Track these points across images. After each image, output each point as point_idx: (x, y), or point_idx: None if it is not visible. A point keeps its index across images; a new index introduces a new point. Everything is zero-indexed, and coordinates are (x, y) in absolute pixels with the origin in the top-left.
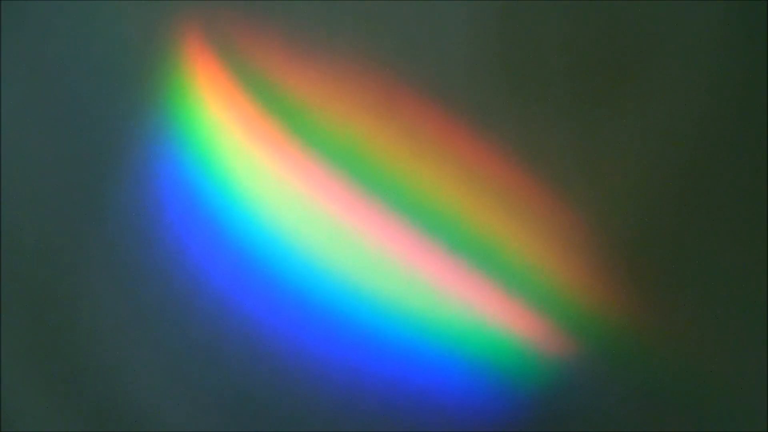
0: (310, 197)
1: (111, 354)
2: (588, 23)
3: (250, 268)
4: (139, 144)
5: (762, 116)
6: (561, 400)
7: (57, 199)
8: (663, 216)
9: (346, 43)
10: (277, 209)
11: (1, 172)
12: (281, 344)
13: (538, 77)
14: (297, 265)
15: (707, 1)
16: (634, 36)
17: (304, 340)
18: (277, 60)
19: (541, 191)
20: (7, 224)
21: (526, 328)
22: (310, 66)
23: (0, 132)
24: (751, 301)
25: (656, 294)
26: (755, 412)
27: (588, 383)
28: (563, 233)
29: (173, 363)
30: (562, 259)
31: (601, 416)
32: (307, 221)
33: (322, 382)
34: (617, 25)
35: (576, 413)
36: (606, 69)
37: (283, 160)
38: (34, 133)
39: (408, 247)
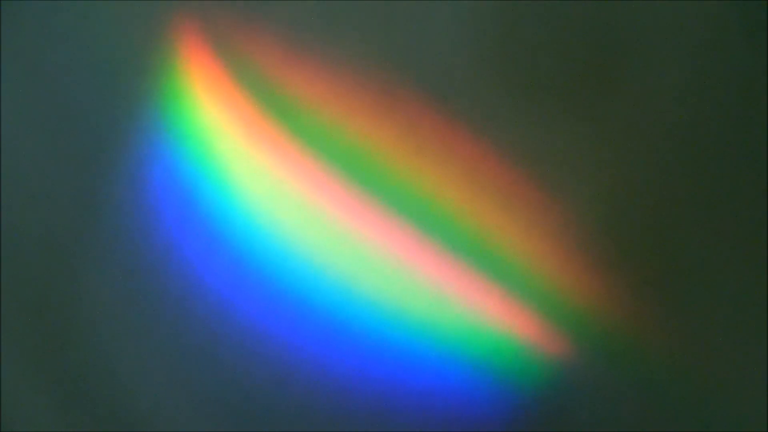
0: (308, 197)
1: (110, 354)
2: (586, 24)
3: (248, 269)
4: (136, 143)
5: (762, 117)
6: (560, 401)
7: (55, 199)
8: (661, 217)
9: (344, 43)
10: (274, 209)
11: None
12: (280, 346)
13: (536, 78)
14: (295, 266)
15: (704, 1)
16: (631, 37)
17: (303, 341)
18: (275, 59)
19: (539, 192)
20: (5, 225)
21: (524, 329)
22: (309, 66)
23: None
24: (750, 300)
25: (654, 294)
26: (755, 412)
27: (587, 384)
28: (561, 234)
29: (172, 363)
30: (561, 260)
31: (599, 416)
32: (305, 221)
33: (322, 384)
34: (614, 26)
35: (575, 413)
36: (604, 70)
37: (281, 161)
38: (32, 132)
39: (407, 248)
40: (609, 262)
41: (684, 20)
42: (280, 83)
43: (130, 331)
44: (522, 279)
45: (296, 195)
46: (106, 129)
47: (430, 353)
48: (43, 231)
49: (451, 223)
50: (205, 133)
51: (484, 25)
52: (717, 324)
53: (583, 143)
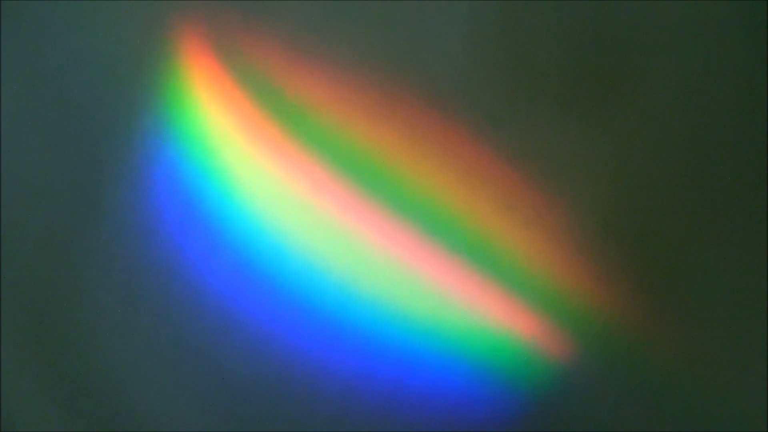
0: (311, 199)
1: (111, 355)
2: (586, 26)
3: (250, 270)
4: (139, 145)
5: (762, 117)
6: (560, 400)
7: (57, 200)
8: (662, 219)
9: (347, 46)
10: (277, 211)
11: (0, 173)
12: (282, 346)
13: (536, 80)
14: (297, 267)
15: (705, 1)
16: (632, 38)
17: (305, 341)
18: (277, 62)
19: (541, 194)
20: (5, 225)
21: (526, 330)
22: (311, 69)
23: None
24: (749, 301)
25: (654, 295)
26: (755, 412)
27: (587, 383)
28: (563, 236)
29: (173, 364)
30: (562, 262)
31: (600, 416)
32: (307, 223)
33: (324, 384)
34: (615, 28)
35: (575, 413)
36: (604, 71)
37: (283, 162)
38: (33, 133)
39: (409, 250)
40: (610, 263)
41: (684, 21)
42: (282, 86)
43: (132, 332)
44: (524, 280)
45: (299, 196)
46: (109, 131)
47: (432, 353)
48: (45, 232)
49: (454, 225)
50: (208, 134)
51: (487, 29)
52: (717, 325)
53: (584, 144)
